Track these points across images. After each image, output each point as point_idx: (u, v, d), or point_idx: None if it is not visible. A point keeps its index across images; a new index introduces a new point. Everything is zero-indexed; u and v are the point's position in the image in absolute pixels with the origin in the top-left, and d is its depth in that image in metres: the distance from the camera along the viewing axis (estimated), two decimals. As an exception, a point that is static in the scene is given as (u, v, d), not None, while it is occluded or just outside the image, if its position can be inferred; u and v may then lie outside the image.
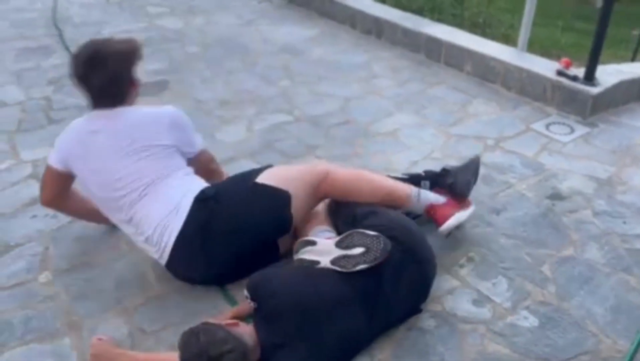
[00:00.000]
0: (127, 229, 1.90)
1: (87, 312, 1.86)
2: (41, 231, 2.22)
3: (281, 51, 3.96)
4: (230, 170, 2.25)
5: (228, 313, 1.82)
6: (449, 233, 2.08)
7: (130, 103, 1.96)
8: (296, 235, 1.98)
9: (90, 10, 4.75)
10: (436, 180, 2.19)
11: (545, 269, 2.04)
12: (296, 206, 1.91)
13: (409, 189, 2.06)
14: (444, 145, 2.80)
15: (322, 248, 1.75)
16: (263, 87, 3.44)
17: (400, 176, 2.23)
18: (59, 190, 2.00)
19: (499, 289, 1.95)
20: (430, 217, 2.09)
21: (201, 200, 1.85)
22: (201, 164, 2.06)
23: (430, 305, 1.88)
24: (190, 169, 1.97)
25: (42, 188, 2.01)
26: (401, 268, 1.72)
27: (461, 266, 2.06)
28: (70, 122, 1.97)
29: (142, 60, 1.97)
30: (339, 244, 1.72)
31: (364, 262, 1.66)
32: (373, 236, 1.66)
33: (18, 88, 3.42)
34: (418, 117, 3.10)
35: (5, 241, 2.15)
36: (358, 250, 1.66)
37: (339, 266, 1.69)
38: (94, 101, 1.90)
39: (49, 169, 1.95)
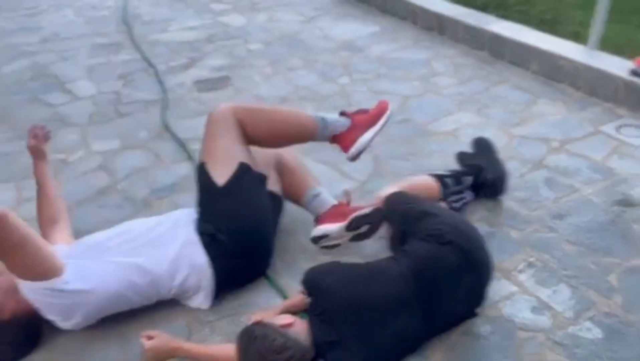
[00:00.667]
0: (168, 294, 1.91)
1: (148, 300, 1.93)
2: (108, 220, 2.31)
3: (341, 48, 3.96)
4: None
5: (280, 306, 1.84)
6: (356, 158, 2.10)
7: None
8: (286, 181, 2.16)
9: (158, 7, 4.92)
10: (477, 182, 2.28)
11: (612, 278, 1.95)
12: (252, 162, 1.98)
13: (315, 120, 2.08)
14: (507, 146, 2.71)
15: (336, 235, 2.01)
16: (322, 85, 3.45)
17: (442, 173, 2.29)
18: None
19: (561, 298, 1.88)
20: (337, 145, 2.10)
21: (209, 239, 1.87)
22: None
23: (487, 310, 1.84)
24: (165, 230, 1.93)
25: None
26: (458, 271, 1.70)
27: (520, 271, 2.00)
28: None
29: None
30: (348, 228, 1.99)
31: (372, 232, 2.04)
32: (370, 213, 1.98)
33: (90, 82, 3.59)
34: (480, 116, 3.02)
35: (75, 227, 2.25)
36: (365, 228, 2.01)
37: (357, 240, 2.04)
38: None
39: None
